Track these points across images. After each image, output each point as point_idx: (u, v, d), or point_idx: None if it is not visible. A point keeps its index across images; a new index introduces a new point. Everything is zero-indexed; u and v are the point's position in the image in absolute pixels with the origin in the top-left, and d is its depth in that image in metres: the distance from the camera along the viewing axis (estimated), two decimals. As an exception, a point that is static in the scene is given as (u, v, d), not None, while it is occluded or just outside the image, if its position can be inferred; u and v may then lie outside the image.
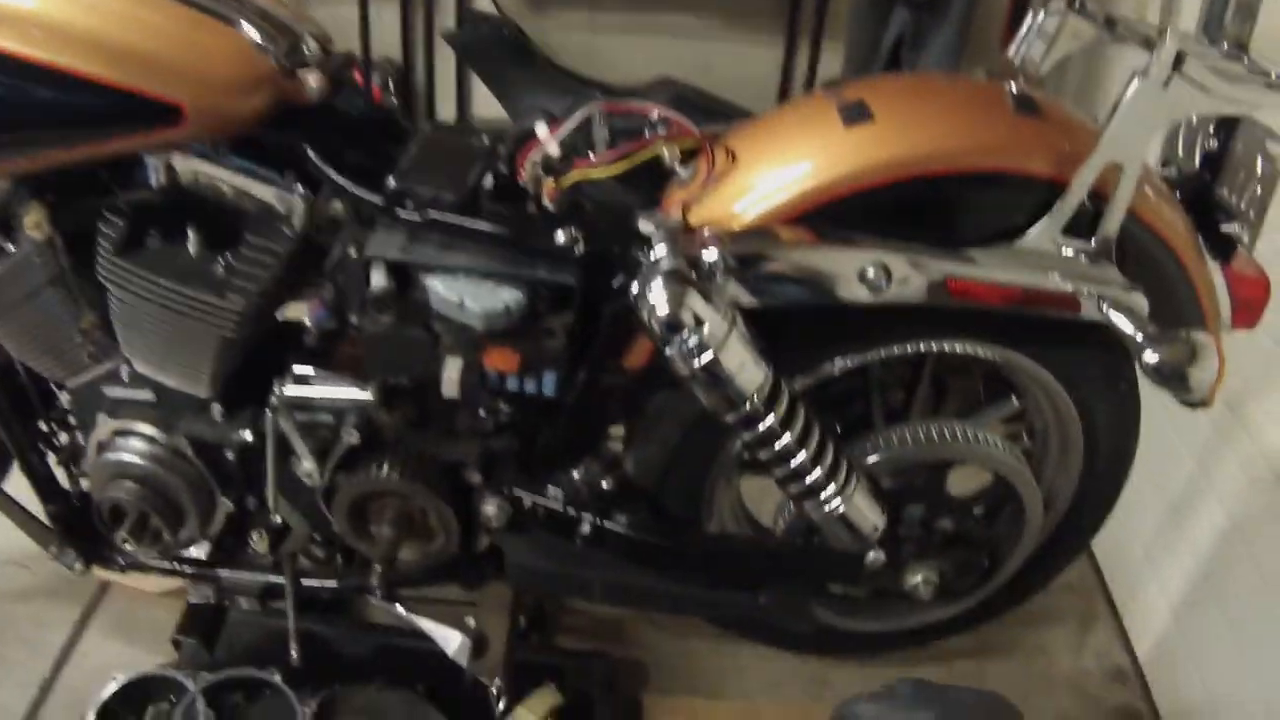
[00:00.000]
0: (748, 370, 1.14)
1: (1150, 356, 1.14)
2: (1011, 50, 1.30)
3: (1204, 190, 1.27)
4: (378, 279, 1.17)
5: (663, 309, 1.09)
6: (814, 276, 1.16)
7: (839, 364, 1.29)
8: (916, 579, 1.37)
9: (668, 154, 1.22)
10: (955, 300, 1.18)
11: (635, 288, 1.12)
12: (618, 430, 1.40)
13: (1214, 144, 1.26)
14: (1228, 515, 1.52)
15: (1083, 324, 1.19)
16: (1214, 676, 1.52)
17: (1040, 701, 1.62)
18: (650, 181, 1.25)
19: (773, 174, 1.20)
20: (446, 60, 2.57)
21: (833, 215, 1.18)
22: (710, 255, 1.13)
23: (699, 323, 1.10)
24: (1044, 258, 1.18)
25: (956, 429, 1.34)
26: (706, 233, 1.16)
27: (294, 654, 1.40)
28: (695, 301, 1.10)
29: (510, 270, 1.17)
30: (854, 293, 1.16)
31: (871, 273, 1.15)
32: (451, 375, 1.20)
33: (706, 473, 1.37)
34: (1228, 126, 1.24)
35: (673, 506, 1.37)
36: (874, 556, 1.31)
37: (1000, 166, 1.18)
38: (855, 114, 1.20)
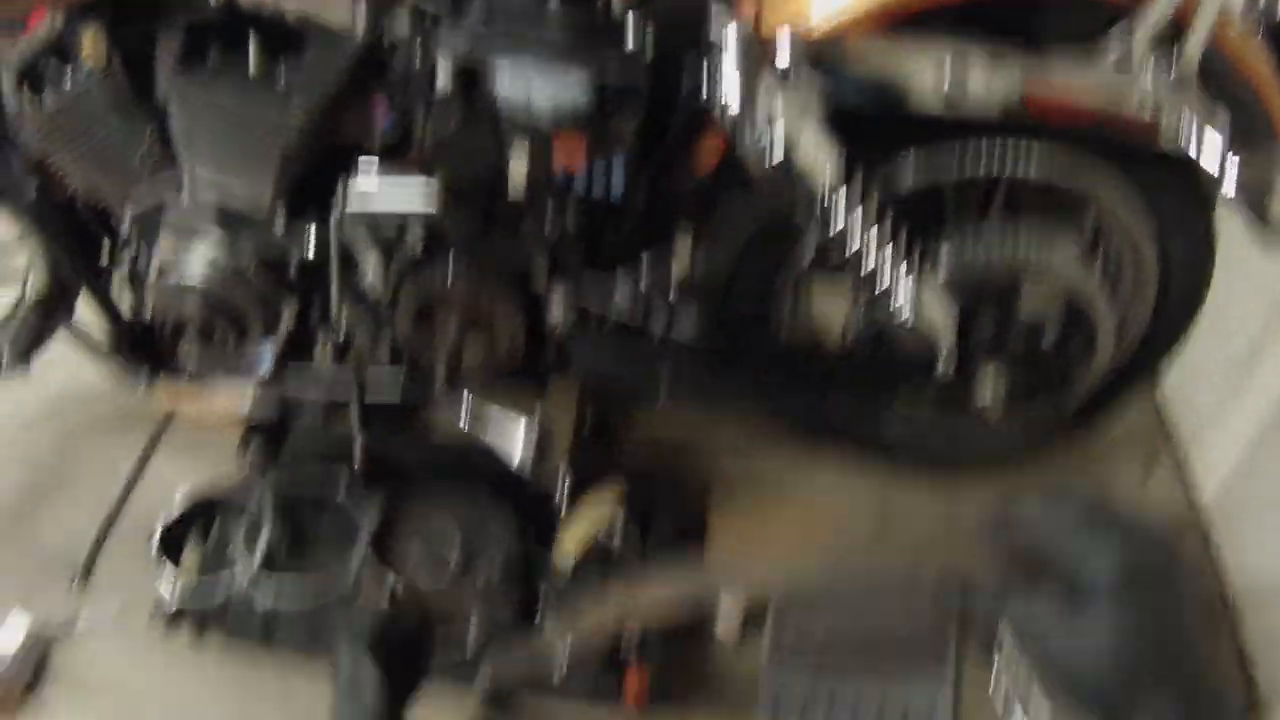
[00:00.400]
0: (821, 168, 1.14)
1: (1231, 176, 1.14)
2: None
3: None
4: (444, 80, 1.17)
5: (737, 107, 1.09)
6: (891, 82, 1.14)
7: (915, 176, 1.28)
8: (986, 394, 1.38)
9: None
10: (1033, 118, 1.17)
11: (707, 88, 1.12)
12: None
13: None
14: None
15: (1162, 152, 1.18)
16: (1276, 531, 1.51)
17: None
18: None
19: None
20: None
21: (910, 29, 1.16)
22: (784, 59, 1.12)
23: (772, 120, 1.10)
24: (1127, 77, 1.17)
25: (1034, 234, 1.33)
26: (780, 37, 1.15)
27: (357, 463, 1.44)
28: (769, 100, 1.10)
29: (582, 68, 1.15)
30: (930, 102, 1.15)
31: (949, 82, 1.13)
32: (518, 174, 1.21)
33: (774, 277, 1.38)
34: None
35: (741, 311, 1.39)
36: (944, 366, 1.32)
37: None
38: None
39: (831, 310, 1.44)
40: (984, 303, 1.36)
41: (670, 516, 1.49)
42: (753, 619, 1.26)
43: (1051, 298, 1.40)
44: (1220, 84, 1.19)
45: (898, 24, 1.17)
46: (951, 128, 1.20)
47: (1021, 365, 1.40)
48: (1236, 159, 1.15)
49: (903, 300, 1.24)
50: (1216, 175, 1.16)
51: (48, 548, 1.66)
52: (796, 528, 1.60)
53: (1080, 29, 1.18)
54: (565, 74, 1.16)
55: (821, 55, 1.14)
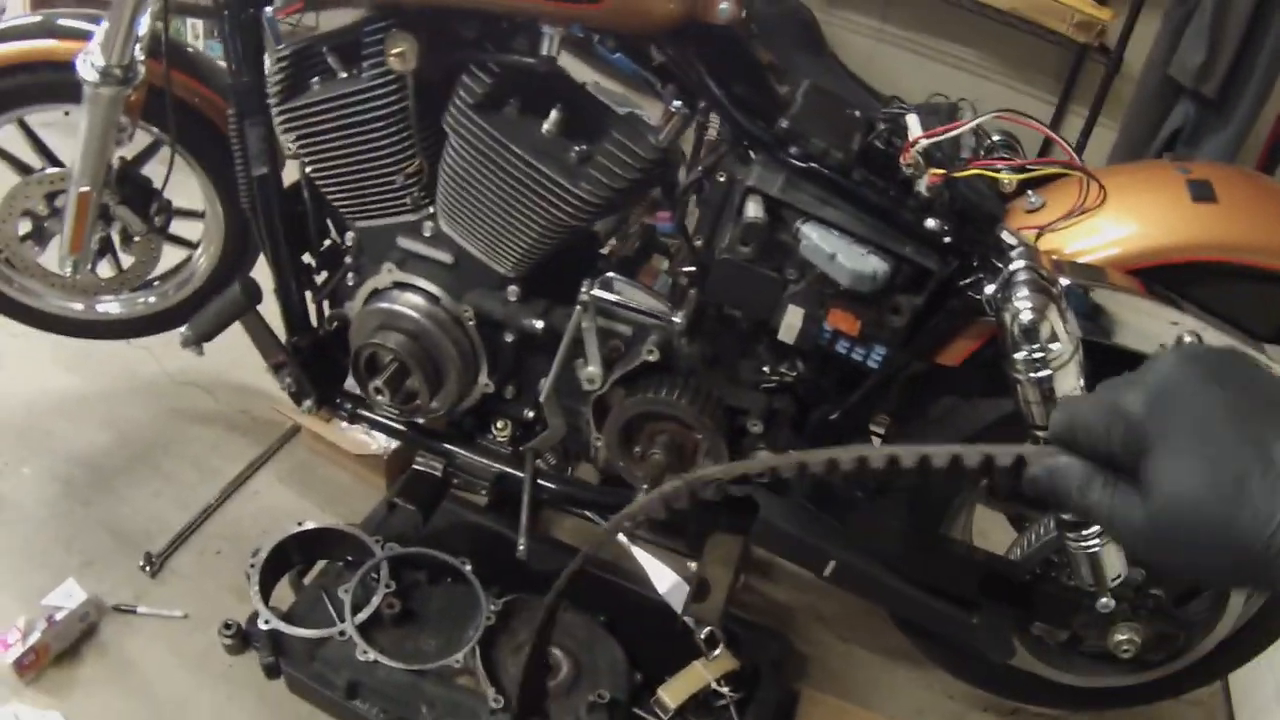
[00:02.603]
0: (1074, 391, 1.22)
1: None
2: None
3: None
4: (754, 209, 1.24)
5: (1027, 315, 1.18)
6: (1139, 327, 1.24)
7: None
8: (1122, 637, 1.45)
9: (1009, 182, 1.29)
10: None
11: (995, 289, 1.20)
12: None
13: None
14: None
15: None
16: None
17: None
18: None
19: (1122, 224, 1.31)
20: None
21: (1156, 278, 1.28)
22: (1064, 281, 1.22)
23: (1053, 338, 1.18)
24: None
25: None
26: (1057, 259, 1.25)
27: (521, 548, 1.44)
28: (1054, 316, 1.19)
29: (884, 239, 1.24)
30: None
31: (1188, 339, 1.23)
32: (793, 322, 1.27)
33: (959, 490, 1.44)
34: None
35: (920, 511, 1.45)
36: (1105, 602, 1.39)
37: None
38: (1202, 192, 1.31)
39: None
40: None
41: (772, 687, 1.51)
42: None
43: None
44: None
45: (1148, 275, 1.27)
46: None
47: (1155, 615, 1.47)
48: None
49: (1095, 530, 1.31)
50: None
51: (123, 524, 1.63)
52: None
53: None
54: (869, 249, 1.23)
55: (1092, 284, 1.23)
